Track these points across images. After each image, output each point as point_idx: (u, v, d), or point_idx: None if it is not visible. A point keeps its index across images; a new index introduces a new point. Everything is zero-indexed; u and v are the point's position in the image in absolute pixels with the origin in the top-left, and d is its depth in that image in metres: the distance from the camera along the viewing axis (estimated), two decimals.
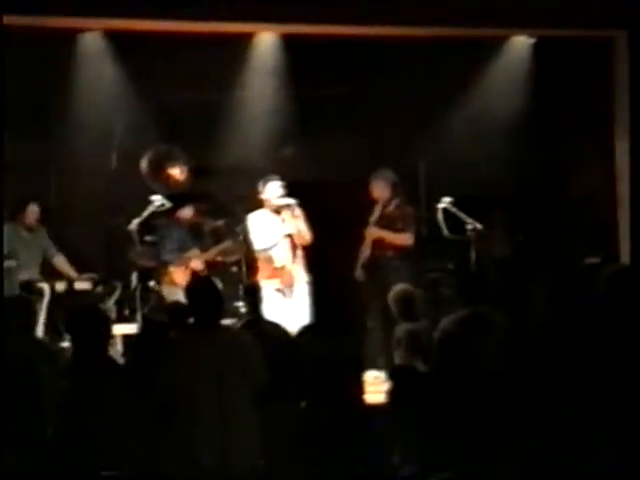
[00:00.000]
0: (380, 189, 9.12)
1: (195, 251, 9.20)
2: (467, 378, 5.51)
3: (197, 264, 9.12)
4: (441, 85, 10.07)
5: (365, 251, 9.09)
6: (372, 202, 9.19)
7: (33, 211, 9.15)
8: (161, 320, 6.45)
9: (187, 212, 9.28)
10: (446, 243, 9.24)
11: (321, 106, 10.12)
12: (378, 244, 9.02)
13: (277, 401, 5.98)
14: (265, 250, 8.87)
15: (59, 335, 7.85)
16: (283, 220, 8.87)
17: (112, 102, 9.82)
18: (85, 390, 5.09)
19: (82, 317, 5.26)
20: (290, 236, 8.89)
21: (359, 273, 9.13)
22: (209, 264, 9.24)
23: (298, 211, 8.89)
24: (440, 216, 9.06)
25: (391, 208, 9.08)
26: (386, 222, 9.03)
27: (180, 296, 8.72)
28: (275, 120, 10.03)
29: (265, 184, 8.89)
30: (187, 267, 9.10)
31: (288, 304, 8.76)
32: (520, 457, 5.24)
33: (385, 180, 9.11)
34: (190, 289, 5.87)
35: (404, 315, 7.14)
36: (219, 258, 9.37)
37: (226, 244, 9.30)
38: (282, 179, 8.91)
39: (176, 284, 9.03)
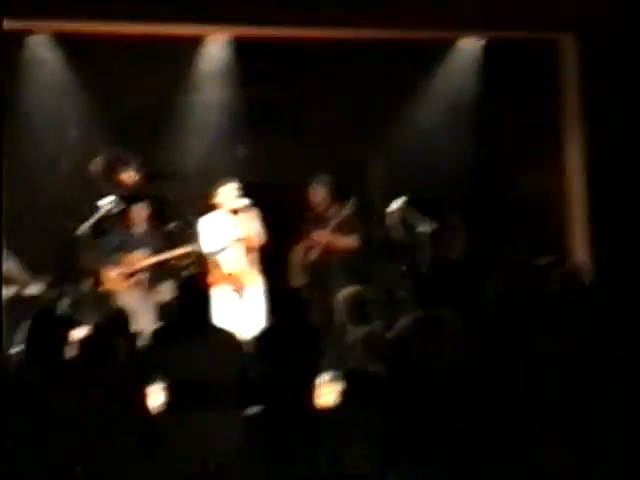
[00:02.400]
0: (319, 194, 9.19)
1: (140, 254, 9.13)
2: (421, 381, 5.52)
3: (142, 267, 9.05)
4: (391, 87, 10.10)
5: (313, 254, 9.11)
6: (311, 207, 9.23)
7: None
8: (108, 326, 6.39)
9: (138, 214, 9.22)
10: (399, 245, 9.27)
11: (272, 108, 10.13)
12: (324, 248, 9.06)
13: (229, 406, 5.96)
14: (214, 254, 8.82)
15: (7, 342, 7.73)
16: (236, 223, 8.82)
17: (62, 105, 9.77)
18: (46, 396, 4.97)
19: (40, 323, 5.17)
20: (242, 240, 8.83)
21: (297, 278, 9.12)
22: (158, 267, 9.18)
23: (253, 212, 8.85)
24: (395, 217, 9.08)
25: (331, 213, 9.13)
26: (328, 226, 9.07)
27: (126, 300, 8.69)
28: (227, 123, 10.04)
29: (220, 186, 8.85)
30: (133, 270, 9.05)
31: (241, 308, 8.73)
32: (476, 460, 5.25)
33: (323, 185, 9.18)
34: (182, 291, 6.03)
35: (356, 317, 7.10)
36: (172, 262, 9.34)
37: (181, 250, 9.21)
38: (237, 181, 8.89)
39: (123, 288, 8.98)
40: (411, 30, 9.66)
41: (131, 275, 9.08)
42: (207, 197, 8.91)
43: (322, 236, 9.09)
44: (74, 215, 9.20)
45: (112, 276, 9.06)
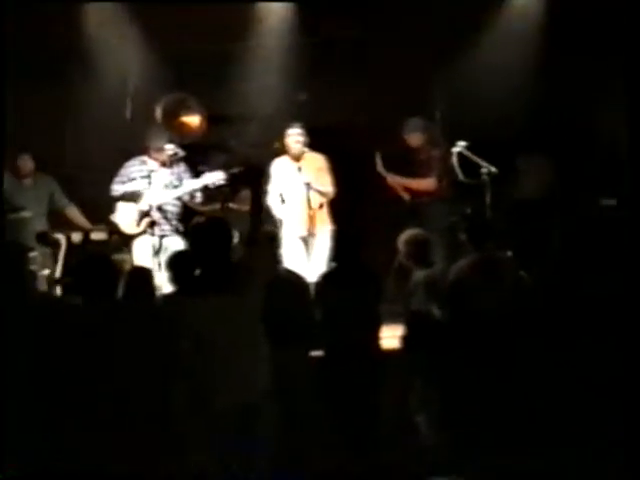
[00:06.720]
0: (417, 138, 9.12)
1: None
2: (478, 323, 5.50)
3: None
4: (457, 27, 9.93)
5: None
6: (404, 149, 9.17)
7: (24, 161, 9.03)
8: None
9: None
10: (462, 187, 9.19)
11: (334, 51, 10.04)
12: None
13: (294, 347, 5.97)
14: (280, 199, 8.83)
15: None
16: (302, 169, 8.80)
17: (126, 52, 9.79)
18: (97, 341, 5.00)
19: (90, 268, 5.20)
20: (308, 184, 8.79)
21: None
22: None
23: (322, 162, 8.80)
24: (455, 160, 8.99)
25: (423, 155, 9.08)
26: (410, 168, 9.03)
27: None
28: (288, 67, 9.96)
29: (285, 131, 8.83)
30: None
31: (310, 252, 8.76)
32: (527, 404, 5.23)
33: (422, 129, 9.11)
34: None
35: (417, 260, 7.06)
36: (235, 206, 9.36)
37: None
38: (302, 125, 8.84)
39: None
40: None
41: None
42: (274, 142, 8.89)
43: (392, 180, 9.06)
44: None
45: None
